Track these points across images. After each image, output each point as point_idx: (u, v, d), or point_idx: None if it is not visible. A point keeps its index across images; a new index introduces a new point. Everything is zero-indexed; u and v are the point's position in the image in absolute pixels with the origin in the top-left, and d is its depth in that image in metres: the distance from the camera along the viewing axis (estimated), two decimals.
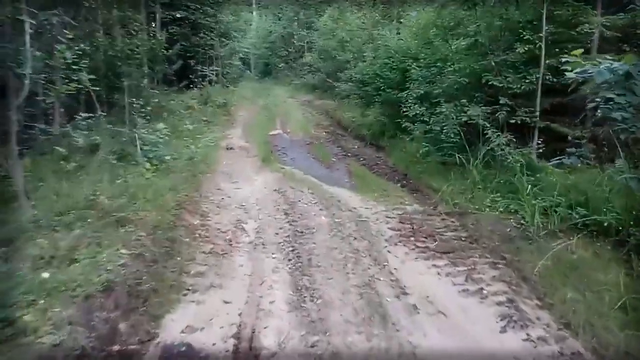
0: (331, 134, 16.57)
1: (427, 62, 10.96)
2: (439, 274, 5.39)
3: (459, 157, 8.20)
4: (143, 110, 8.81)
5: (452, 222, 6.86)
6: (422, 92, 10.14)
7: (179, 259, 5.33)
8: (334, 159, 12.11)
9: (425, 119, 9.94)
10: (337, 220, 6.70)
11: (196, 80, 17.09)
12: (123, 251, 4.80)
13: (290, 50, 34.21)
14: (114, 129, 7.98)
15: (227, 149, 11.81)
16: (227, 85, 21.16)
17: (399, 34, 15.48)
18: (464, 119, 8.29)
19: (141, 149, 7.61)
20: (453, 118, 8.55)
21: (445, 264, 5.62)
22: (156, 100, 10.88)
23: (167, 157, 7.70)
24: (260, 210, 7.12)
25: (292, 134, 16.24)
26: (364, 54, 15.85)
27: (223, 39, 21.55)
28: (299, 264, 5.42)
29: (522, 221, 6.24)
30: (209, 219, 6.48)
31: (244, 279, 5.07)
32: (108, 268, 4.34)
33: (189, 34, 19.25)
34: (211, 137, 11.08)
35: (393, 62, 13.24)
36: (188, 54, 19.34)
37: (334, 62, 23.56)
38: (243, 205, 7.27)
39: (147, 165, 6.95)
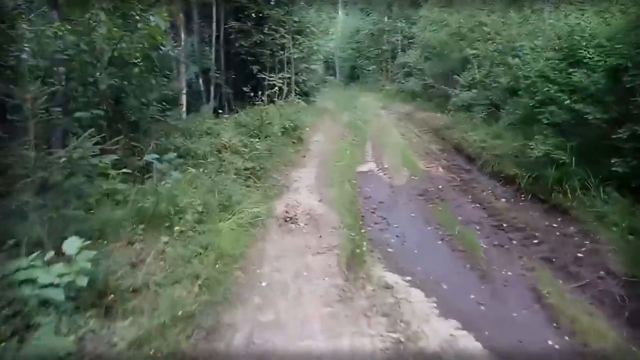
0: (452, 171, 10.68)
1: None
2: None
3: None
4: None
5: None
6: None
7: None
8: (483, 244, 6.25)
9: None
10: None
11: (254, 95, 12.12)
12: None
13: (382, 49, 28.55)
14: None
15: (285, 220, 6.49)
16: (302, 98, 16.08)
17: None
18: None
19: None
20: None
21: None
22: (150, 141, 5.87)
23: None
24: None
25: (393, 171, 10.60)
26: (519, 46, 9.66)
27: (298, 37, 16.52)
28: None
29: None
30: None
31: None
32: None
33: (251, 30, 14.46)
34: (252, 208, 5.82)
35: (591, 54, 7.06)
36: (249, 58, 14.61)
37: (442, 61, 17.56)
38: None
39: None
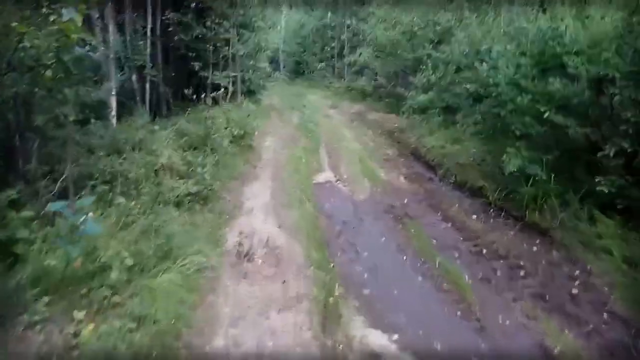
0: (414, 181, 10.02)
1: None
2: None
3: None
4: None
5: None
6: None
7: None
8: (467, 277, 5.51)
9: None
10: None
11: (196, 97, 10.74)
12: None
13: (330, 46, 27.70)
14: None
15: (240, 257, 5.41)
16: (249, 97, 14.85)
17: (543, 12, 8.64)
18: None
19: None
20: None
21: None
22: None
23: None
24: None
25: (352, 182, 9.77)
26: (485, 49, 9.02)
27: (243, 31, 15.18)
28: None
29: None
30: None
31: None
32: None
33: (191, 22, 13.00)
34: (198, 250, 4.67)
35: (574, 62, 6.50)
36: (190, 53, 13.15)
37: (394, 60, 16.97)
38: None
39: None
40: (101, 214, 4.30)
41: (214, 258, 5.00)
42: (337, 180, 9.97)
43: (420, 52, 14.48)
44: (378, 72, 17.99)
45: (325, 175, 10.28)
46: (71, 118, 5.70)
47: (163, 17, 12.61)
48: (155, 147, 6.44)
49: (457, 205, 8.38)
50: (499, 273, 5.75)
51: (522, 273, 5.71)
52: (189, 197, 5.66)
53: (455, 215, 7.86)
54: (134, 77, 12.25)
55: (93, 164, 5.45)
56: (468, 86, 8.81)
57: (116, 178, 5.35)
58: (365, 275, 5.59)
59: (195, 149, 7.55)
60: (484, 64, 8.31)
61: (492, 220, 7.63)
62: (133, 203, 4.74)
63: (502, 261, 6.05)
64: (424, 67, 13.88)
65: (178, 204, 5.52)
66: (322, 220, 7.55)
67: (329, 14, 29.19)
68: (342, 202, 8.62)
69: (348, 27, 25.69)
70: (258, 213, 7.00)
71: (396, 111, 15.89)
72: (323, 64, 27.84)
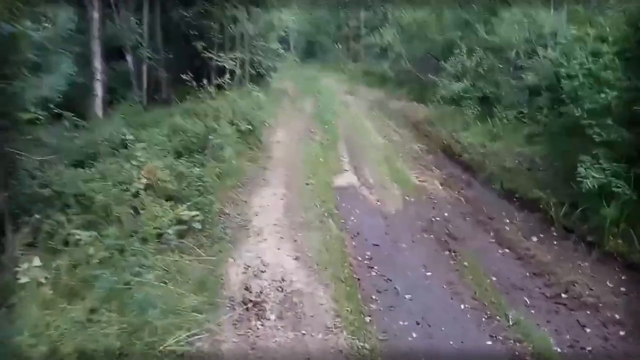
0: (451, 187, 8.53)
1: None
2: None
3: None
4: None
5: None
6: None
7: None
8: (554, 343, 4.06)
9: None
10: None
11: (197, 83, 9.16)
12: None
13: (344, 23, 25.84)
14: None
15: (246, 308, 4.01)
16: (257, 81, 13.31)
17: None
18: None
19: None
20: None
21: None
22: None
23: None
24: None
25: (379, 188, 8.29)
26: (550, 33, 7.37)
27: (253, 8, 13.52)
28: None
29: None
30: None
31: None
32: None
33: None
34: (190, 320, 3.26)
35: None
36: (192, 32, 11.60)
37: (423, 43, 15.28)
38: None
39: None
40: (43, 274, 2.89)
41: (211, 317, 3.59)
42: (361, 184, 8.49)
43: (453, 33, 12.80)
44: (401, 55, 16.25)
45: (347, 178, 8.79)
46: (26, 117, 4.33)
47: None
48: (138, 153, 4.97)
49: (508, 221, 6.91)
50: (589, 330, 4.30)
51: (621, 332, 4.27)
52: (177, 227, 4.23)
53: (512, 236, 6.39)
54: (129, 59, 10.81)
55: (49, 182, 4.03)
56: (528, 76, 7.18)
57: (79, 202, 3.90)
58: (414, 335, 4.17)
59: (191, 152, 6.07)
60: (549, 50, 6.69)
61: (557, 244, 6.15)
62: (92, 250, 3.29)
63: (589, 312, 4.59)
64: (458, 50, 12.27)
65: (162, 238, 4.09)
66: (347, 242, 6.12)
67: None
68: (369, 215, 7.15)
69: (366, 4, 23.74)
70: (269, 236, 5.59)
71: (421, 100, 14.29)
72: (338, 44, 25.98)
